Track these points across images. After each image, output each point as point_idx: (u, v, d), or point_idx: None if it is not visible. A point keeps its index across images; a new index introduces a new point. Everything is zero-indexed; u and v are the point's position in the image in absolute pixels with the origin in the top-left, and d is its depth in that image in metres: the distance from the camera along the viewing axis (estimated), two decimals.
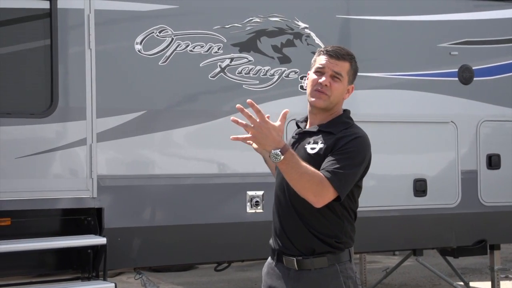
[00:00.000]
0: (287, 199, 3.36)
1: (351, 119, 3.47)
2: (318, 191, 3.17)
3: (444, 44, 7.14)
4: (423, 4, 7.12)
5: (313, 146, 3.35)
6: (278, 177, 3.45)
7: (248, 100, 3.10)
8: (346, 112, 3.48)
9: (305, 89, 3.52)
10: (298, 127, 3.54)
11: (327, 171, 3.20)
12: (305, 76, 3.56)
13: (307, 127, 3.49)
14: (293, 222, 3.34)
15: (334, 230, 3.33)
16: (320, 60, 3.41)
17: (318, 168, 3.22)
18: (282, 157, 3.09)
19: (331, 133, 3.35)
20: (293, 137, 3.49)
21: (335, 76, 3.38)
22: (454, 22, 7.23)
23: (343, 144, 3.28)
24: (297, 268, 3.33)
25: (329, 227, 3.32)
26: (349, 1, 6.88)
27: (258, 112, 3.08)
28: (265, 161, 3.69)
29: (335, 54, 3.39)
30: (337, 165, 3.21)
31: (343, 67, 3.40)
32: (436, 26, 7.15)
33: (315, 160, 3.27)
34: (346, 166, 3.23)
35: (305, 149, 3.36)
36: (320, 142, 3.34)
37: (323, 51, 3.43)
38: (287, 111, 3.19)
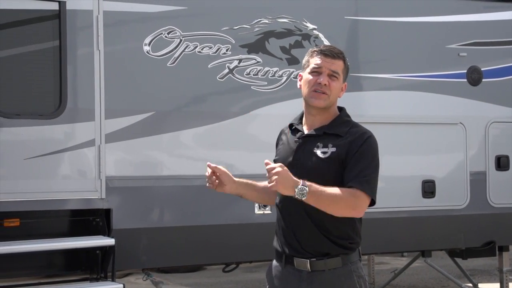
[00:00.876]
0: (298, 205, 3.29)
1: (349, 116, 3.48)
2: (354, 204, 3.22)
3: (453, 46, 7.13)
4: (431, 5, 7.11)
5: (324, 150, 3.33)
6: None
7: (266, 161, 3.16)
8: (344, 110, 3.48)
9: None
10: (292, 128, 3.50)
11: (356, 182, 3.23)
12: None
13: (305, 128, 3.46)
14: (305, 227, 3.32)
15: (347, 230, 3.33)
16: (315, 60, 3.39)
17: (332, 171, 3.25)
18: (307, 189, 3.11)
19: (338, 135, 3.34)
20: (295, 141, 3.44)
21: (332, 75, 3.37)
22: (463, 23, 7.21)
23: (358, 148, 3.29)
24: (310, 270, 3.32)
25: (342, 228, 3.32)
26: (358, 2, 6.87)
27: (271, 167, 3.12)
28: (242, 196, 3.63)
29: (331, 53, 3.38)
30: (363, 173, 3.25)
31: (339, 65, 3.39)
32: (445, 27, 7.14)
33: (329, 164, 3.28)
34: (370, 170, 3.27)
35: (315, 153, 3.33)
36: (330, 145, 3.32)
37: (316, 51, 3.41)
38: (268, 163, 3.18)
